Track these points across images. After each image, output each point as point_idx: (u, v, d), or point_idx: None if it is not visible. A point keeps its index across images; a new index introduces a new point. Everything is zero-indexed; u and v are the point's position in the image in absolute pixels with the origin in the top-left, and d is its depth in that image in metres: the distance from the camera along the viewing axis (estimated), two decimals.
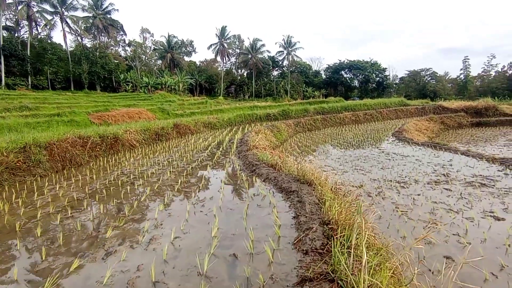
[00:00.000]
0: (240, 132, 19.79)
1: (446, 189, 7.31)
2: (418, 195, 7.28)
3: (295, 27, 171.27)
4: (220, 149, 12.65)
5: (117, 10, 54.24)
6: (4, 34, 46.21)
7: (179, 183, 7.03)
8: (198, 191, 6.35)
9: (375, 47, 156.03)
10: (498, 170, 8.76)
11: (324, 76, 77.62)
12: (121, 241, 4.09)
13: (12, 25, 51.10)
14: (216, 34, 61.68)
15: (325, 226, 3.43)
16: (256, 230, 4.02)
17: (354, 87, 74.48)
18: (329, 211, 3.78)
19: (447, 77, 71.46)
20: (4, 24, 50.70)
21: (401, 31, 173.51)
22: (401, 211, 6.22)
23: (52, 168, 10.05)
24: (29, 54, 45.20)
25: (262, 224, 4.27)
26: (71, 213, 5.41)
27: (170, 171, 8.52)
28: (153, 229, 4.46)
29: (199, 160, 10.05)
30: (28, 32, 49.00)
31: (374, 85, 71.18)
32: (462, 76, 65.49)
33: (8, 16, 52.63)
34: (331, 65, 74.55)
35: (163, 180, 7.61)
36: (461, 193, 6.82)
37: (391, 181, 8.92)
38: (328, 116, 27.35)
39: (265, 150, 10.10)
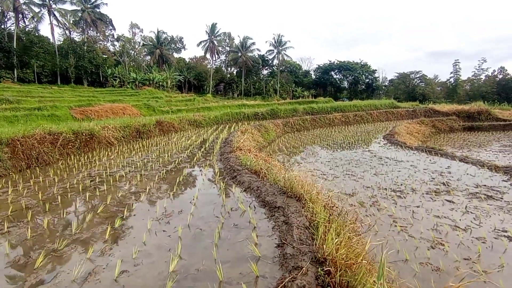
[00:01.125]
0: (226, 131, 18.78)
1: (448, 200, 6.48)
2: (417, 207, 6.46)
3: (286, 26, 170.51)
4: (202, 149, 11.62)
5: (106, 4, 52.23)
6: None
7: (147, 190, 6.02)
8: (167, 202, 5.34)
9: (365, 49, 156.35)
10: (503, 180, 8.00)
11: (313, 76, 76.98)
12: (49, 275, 3.07)
13: None
14: (206, 31, 60.32)
15: (318, 266, 2.50)
16: (228, 265, 3.06)
17: (343, 88, 74.05)
18: (323, 242, 2.85)
19: (437, 80, 71.67)
20: None
21: (391, 34, 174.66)
22: (400, 226, 5.38)
23: (15, 167, 8.87)
24: (15, 47, 43.23)
25: (236, 254, 3.31)
26: (8, 228, 4.36)
27: (141, 174, 7.48)
28: (98, 255, 3.46)
29: (176, 162, 9.02)
30: (14, 24, 46.80)
31: (363, 86, 70.87)
32: (452, 79, 65.70)
33: None
34: (321, 65, 73.99)
35: (130, 185, 6.58)
36: (466, 206, 6.00)
37: (386, 189, 8.12)
38: (317, 116, 26.53)
39: (249, 152, 9.14)
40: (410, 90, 66.32)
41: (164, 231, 4.07)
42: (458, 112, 26.98)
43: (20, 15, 47.57)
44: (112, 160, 9.97)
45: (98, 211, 4.90)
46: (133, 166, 8.65)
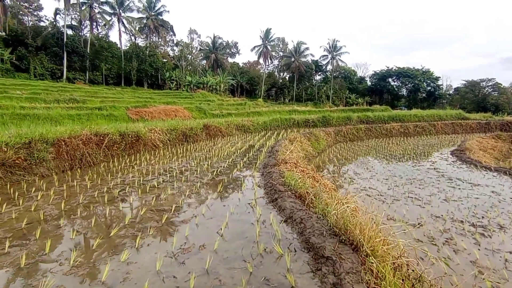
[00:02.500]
0: (274, 138, 17.72)
1: None
2: (511, 253, 4.80)
3: (342, 31, 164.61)
4: (245, 159, 10.67)
5: (168, 11, 55.12)
6: (69, 32, 48.76)
7: (172, 209, 5.16)
8: (191, 229, 4.41)
9: (427, 55, 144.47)
10: None
11: (369, 83, 72.58)
12: None
13: (76, 24, 53.61)
14: (260, 36, 60.09)
15: None
16: None
17: (401, 95, 68.60)
18: None
19: None
20: (69, 23, 53.71)
21: (458, 38, 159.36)
22: (489, 281, 3.85)
23: (58, 167, 8.77)
24: (88, 51, 47.22)
25: None
26: (9, 247, 3.76)
27: (173, 187, 6.71)
28: None
29: (214, 173, 8.15)
30: (89, 31, 51.23)
31: (424, 94, 64.81)
32: None
33: (73, 16, 55.65)
34: (378, 71, 69.39)
35: (157, 200, 5.80)
36: None
37: (462, 221, 6.44)
38: (372, 126, 24.27)
39: (295, 167, 7.95)
40: (480, 100, 59.03)
41: (174, 277, 3.10)
42: None
43: (94, 23, 51.96)
44: (151, 165, 9.47)
45: (110, 235, 4.13)
46: (168, 175, 7.97)
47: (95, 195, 6.03)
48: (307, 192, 5.13)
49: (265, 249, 3.66)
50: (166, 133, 14.62)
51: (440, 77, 65.23)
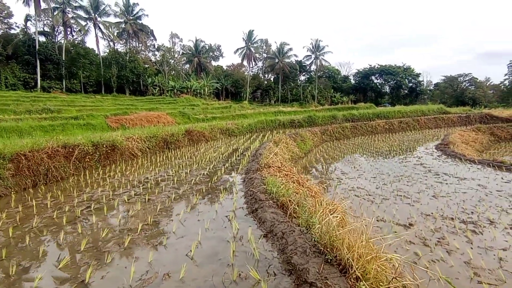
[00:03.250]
0: (259, 140, 17.23)
1: None
2: (504, 249, 4.54)
3: (324, 31, 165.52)
4: (227, 164, 10.12)
5: (147, 15, 53.90)
6: (42, 39, 46.96)
7: (138, 229, 4.55)
8: (155, 253, 3.82)
9: (408, 53, 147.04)
10: None
11: (353, 82, 73.11)
12: None
13: (48, 30, 51.85)
14: (243, 38, 59.63)
15: None
16: None
17: (384, 93, 69.38)
18: None
19: (488, 83, 64.56)
20: (41, 29, 51.91)
21: (436, 36, 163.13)
22: (486, 283, 3.52)
23: (18, 185, 7.97)
24: (64, 59, 45.57)
25: None
26: None
27: (143, 201, 6.10)
28: None
29: (193, 182, 7.57)
30: (63, 38, 49.55)
31: (406, 91, 65.68)
32: (507, 82, 58.61)
33: (45, 21, 53.77)
34: (361, 70, 69.99)
35: (124, 218, 5.18)
36: None
37: (452, 219, 6.24)
38: (358, 123, 24.10)
39: (279, 171, 7.45)
40: (458, 94, 60.24)
41: None
42: None
43: (69, 29, 50.32)
44: (125, 176, 8.80)
45: (59, 267, 3.50)
46: (142, 187, 7.34)
47: (54, 216, 5.36)
48: (289, 201, 4.62)
49: (239, 275, 3.13)
50: (145, 140, 13.91)
51: (420, 74, 66.45)
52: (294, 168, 9.72)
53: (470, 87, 61.81)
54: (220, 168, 9.29)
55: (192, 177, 8.25)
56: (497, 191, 7.92)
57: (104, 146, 11.45)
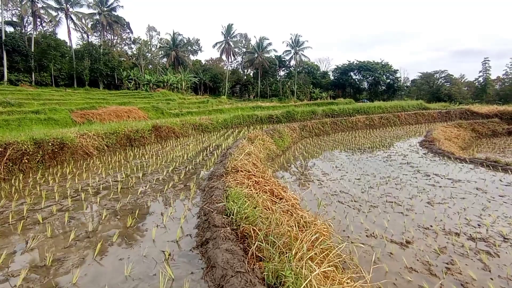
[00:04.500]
0: (233, 137, 15.70)
1: None
2: None
3: (304, 26, 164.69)
4: (191, 165, 8.54)
5: (122, 6, 50.77)
6: (9, 30, 43.30)
7: (21, 276, 2.96)
8: None
9: (386, 49, 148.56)
10: None
11: (332, 77, 72.50)
12: None
13: (17, 21, 47.98)
14: (222, 32, 57.36)
15: None
16: None
17: (363, 89, 69.16)
18: None
19: (463, 80, 65.54)
20: (10, 19, 47.97)
21: (412, 33, 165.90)
22: None
23: None
24: (33, 50, 42.19)
25: None
26: None
27: (62, 224, 4.46)
28: None
29: (139, 192, 5.95)
30: (33, 29, 45.92)
31: (384, 87, 65.61)
32: (481, 79, 59.57)
33: (13, 11, 49.84)
34: (340, 66, 69.35)
35: (21, 252, 3.56)
36: None
37: (457, 234, 5.11)
38: (338, 119, 23.01)
39: (248, 178, 5.97)
40: (434, 91, 60.82)
41: None
42: (500, 114, 22.68)
43: (39, 20, 46.67)
44: (63, 182, 7.07)
45: None
46: (73, 199, 5.66)
47: None
48: (254, 230, 3.15)
49: None
50: (103, 137, 12.10)
51: (398, 70, 66.53)
52: (269, 170, 8.29)
53: (445, 83, 62.55)
54: (181, 172, 7.71)
55: (142, 184, 6.64)
56: (500, 196, 6.80)
57: (50, 144, 9.60)
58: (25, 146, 8.77)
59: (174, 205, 5.08)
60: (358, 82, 68.03)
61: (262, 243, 2.86)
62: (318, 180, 8.57)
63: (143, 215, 4.65)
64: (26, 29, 48.71)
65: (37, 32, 46.87)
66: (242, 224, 3.36)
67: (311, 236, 3.33)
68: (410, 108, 28.32)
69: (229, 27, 57.54)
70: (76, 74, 46.14)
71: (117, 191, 6.04)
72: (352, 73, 67.88)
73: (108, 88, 48.33)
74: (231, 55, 61.13)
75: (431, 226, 5.33)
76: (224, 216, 3.65)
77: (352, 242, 4.77)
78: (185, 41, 60.88)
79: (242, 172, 6.31)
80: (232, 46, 60.58)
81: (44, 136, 9.58)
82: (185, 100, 39.98)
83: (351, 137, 18.29)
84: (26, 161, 8.77)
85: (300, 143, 16.72)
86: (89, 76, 45.91)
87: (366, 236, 5.05)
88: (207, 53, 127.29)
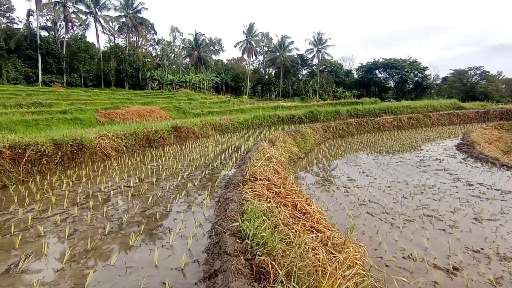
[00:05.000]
0: (254, 138, 15.14)
1: None
2: None
3: (326, 24, 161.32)
4: (208, 170, 8.05)
5: (147, 9, 51.82)
6: (44, 34, 45.26)
7: None
8: None
9: (414, 46, 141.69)
10: None
11: (356, 76, 70.22)
12: None
13: (50, 25, 49.97)
14: (243, 31, 57.03)
15: None
16: None
17: (388, 87, 66.40)
18: None
19: (501, 77, 61.09)
20: (43, 24, 50.00)
21: (442, 28, 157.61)
22: None
23: None
24: (64, 53, 43.93)
25: None
26: None
27: (59, 237, 4.07)
28: None
29: (149, 201, 5.49)
30: (65, 32, 47.77)
31: (411, 85, 62.65)
32: None
33: (48, 17, 51.97)
34: (364, 64, 66.96)
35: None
36: None
37: None
38: (363, 119, 21.86)
39: (268, 188, 5.37)
40: (468, 89, 57.06)
41: None
42: None
43: (70, 24, 48.36)
44: (75, 187, 6.78)
45: None
46: (81, 206, 5.30)
47: None
48: (272, 264, 2.54)
49: None
50: (122, 138, 11.91)
51: (427, 67, 63.15)
52: (291, 176, 7.63)
53: (481, 81, 58.46)
54: (196, 177, 7.23)
55: (154, 191, 6.21)
56: None
57: (69, 145, 9.45)
58: (45, 147, 8.63)
59: (185, 218, 4.57)
60: (383, 81, 65.44)
61: (283, 287, 2.25)
62: (343, 186, 7.83)
63: (149, 231, 4.17)
64: (59, 33, 50.62)
65: (69, 36, 48.61)
66: (258, 252, 2.76)
67: (343, 271, 2.68)
68: (443, 107, 26.52)
69: (251, 26, 57.10)
70: (103, 75, 47.54)
71: (128, 198, 5.63)
72: (377, 71, 65.39)
73: (133, 88, 49.40)
74: (253, 54, 60.70)
75: (482, 248, 4.50)
76: (237, 241, 3.07)
77: (387, 265, 4.08)
78: (207, 41, 61.15)
79: (262, 180, 5.71)
80: (254, 45, 60.13)
81: (63, 137, 9.43)
82: (207, 99, 39.95)
83: (377, 138, 17.21)
84: (45, 162, 8.63)
85: (323, 144, 15.90)
86: (115, 77, 47.11)
87: (403, 257, 4.33)
88: (229, 53, 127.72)
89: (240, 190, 5.22)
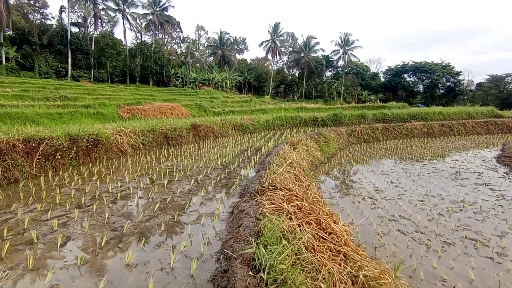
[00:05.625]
0: (275, 139, 14.50)
1: None
2: None
3: (354, 25, 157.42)
4: (224, 174, 7.50)
5: (173, 6, 51.92)
6: (74, 30, 46.75)
7: None
8: None
9: (445, 49, 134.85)
10: None
11: (383, 79, 67.68)
12: None
13: (80, 21, 51.55)
14: (268, 31, 56.35)
15: None
16: None
17: (417, 92, 63.43)
18: None
19: None
20: (74, 20, 51.61)
21: (478, 31, 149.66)
22: None
23: None
24: (93, 49, 45.13)
25: None
26: None
27: (50, 248, 3.63)
28: None
29: (156, 207, 5.00)
30: (93, 29, 49.14)
31: (443, 91, 59.46)
32: None
33: (79, 13, 53.68)
34: (393, 67, 64.31)
35: None
36: None
37: None
38: (390, 125, 20.67)
39: (289, 200, 4.73)
40: (504, 96, 53.33)
41: None
42: None
43: (99, 20, 49.67)
44: (83, 186, 6.43)
45: None
46: (82, 210, 4.89)
47: None
48: None
49: None
50: (139, 135, 11.62)
51: (461, 72, 59.76)
52: (314, 184, 6.94)
53: None
54: (210, 181, 6.70)
55: (164, 195, 5.72)
56: None
57: (85, 140, 9.22)
58: (60, 142, 8.40)
59: (192, 232, 4.01)
60: (412, 85, 62.62)
61: None
62: (370, 197, 7.07)
63: (150, 247, 3.64)
64: (88, 29, 52.14)
65: (98, 32, 49.93)
66: None
67: None
68: (479, 115, 24.67)
69: (276, 26, 56.37)
70: (128, 71, 48.43)
71: (134, 203, 5.17)
72: (405, 75, 62.69)
73: (157, 85, 50.02)
74: (277, 54, 59.93)
75: None
76: (250, 273, 2.47)
77: None
78: (232, 40, 61.05)
79: (282, 190, 5.08)
80: (279, 45, 59.36)
81: (79, 132, 9.21)
82: (229, 98, 39.67)
83: (406, 145, 16.10)
84: (59, 157, 8.40)
85: (347, 149, 15.04)
86: (140, 73, 47.85)
87: None
88: (253, 52, 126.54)
89: (257, 201, 4.62)
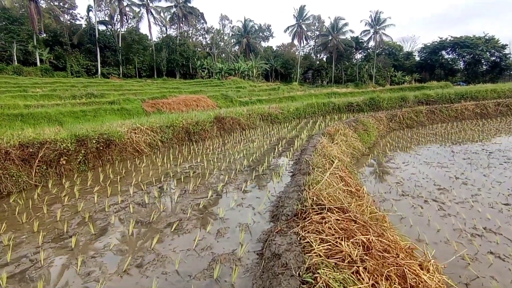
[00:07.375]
0: (307, 129, 12.67)
1: None
2: None
3: (385, 1, 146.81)
4: (246, 184, 5.88)
5: None
6: (102, 28, 47.02)
7: None
8: None
9: (487, 23, 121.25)
10: None
11: (417, 58, 62.11)
12: None
13: (107, 19, 51.81)
14: (293, 15, 53.28)
15: None
16: None
17: (457, 70, 57.43)
18: None
19: None
20: (102, 19, 51.92)
21: None
22: None
23: None
24: (120, 46, 45.16)
25: None
26: None
27: None
28: None
29: (154, 243, 3.51)
30: (120, 26, 49.17)
31: (486, 66, 53.38)
32: None
33: (105, 11, 53.98)
34: (429, 44, 58.55)
35: None
36: None
37: None
38: (436, 107, 17.93)
39: (348, 236, 3.03)
40: None
41: None
42: None
43: (124, 17, 49.53)
44: (75, 203, 5.12)
45: None
46: (77, 233, 3.52)
47: None
48: None
49: None
50: (157, 131, 10.32)
51: (507, 45, 53.09)
52: (364, 188, 5.12)
53: None
54: (233, 195, 5.10)
55: (171, 215, 4.23)
56: None
57: (94, 141, 8.01)
58: (64, 145, 7.22)
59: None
60: (451, 62, 56.83)
61: None
62: (434, 200, 5.21)
63: None
64: (115, 26, 52.27)
65: (124, 29, 49.89)
66: None
67: None
68: None
69: (301, 9, 53.12)
70: (155, 65, 48.10)
71: (127, 232, 3.72)
72: (443, 52, 56.99)
73: (184, 78, 49.31)
74: (303, 39, 56.80)
75: None
76: None
77: None
78: (256, 28, 58.71)
79: (333, 212, 3.39)
80: (305, 29, 56.18)
81: (88, 132, 8.00)
82: (256, 87, 37.89)
83: (457, 129, 13.59)
84: (64, 162, 7.24)
85: (389, 137, 12.89)
86: (166, 67, 47.31)
87: None
88: (279, 39, 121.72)
89: (297, 233, 2.98)
